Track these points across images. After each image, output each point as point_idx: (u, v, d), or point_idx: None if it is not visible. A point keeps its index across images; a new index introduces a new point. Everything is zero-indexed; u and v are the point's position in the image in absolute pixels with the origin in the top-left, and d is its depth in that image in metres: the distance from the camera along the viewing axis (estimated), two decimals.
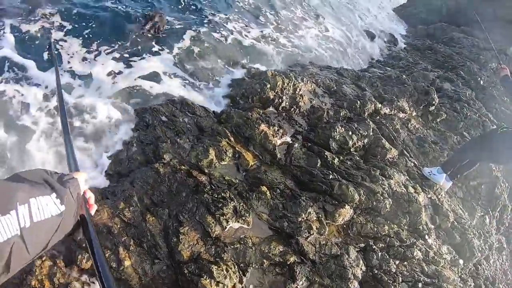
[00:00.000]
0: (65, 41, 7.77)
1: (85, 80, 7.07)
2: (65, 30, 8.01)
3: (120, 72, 7.47)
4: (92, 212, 1.62)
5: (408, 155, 7.68)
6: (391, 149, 7.17)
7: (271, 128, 5.97)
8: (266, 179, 5.43)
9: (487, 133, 8.92)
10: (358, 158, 6.66)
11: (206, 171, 5.33)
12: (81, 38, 7.97)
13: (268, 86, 6.86)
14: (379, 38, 16.61)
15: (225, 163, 5.51)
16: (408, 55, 15.17)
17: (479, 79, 13.23)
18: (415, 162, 7.67)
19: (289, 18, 13.37)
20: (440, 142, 8.96)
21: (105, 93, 6.95)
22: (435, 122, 9.86)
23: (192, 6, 10.81)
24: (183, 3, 10.77)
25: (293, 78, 7.29)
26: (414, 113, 9.52)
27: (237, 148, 5.64)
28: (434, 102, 9.79)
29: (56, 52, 7.02)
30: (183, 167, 5.30)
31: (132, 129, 6.18)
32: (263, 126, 5.87)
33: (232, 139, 5.77)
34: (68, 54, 7.50)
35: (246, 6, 12.41)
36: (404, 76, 10.26)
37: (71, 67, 7.22)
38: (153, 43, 8.44)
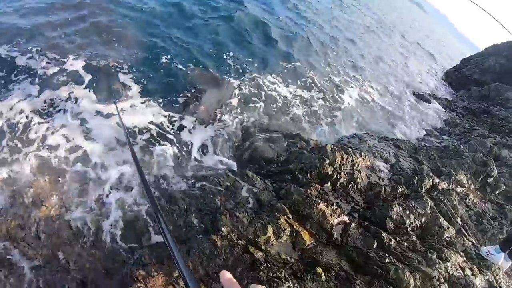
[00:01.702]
0: (127, 85, 8.19)
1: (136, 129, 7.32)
2: (128, 75, 8.46)
3: (171, 130, 7.64)
4: None
5: (465, 233, 7.01)
6: (448, 228, 6.57)
7: (329, 207, 5.63)
8: (321, 260, 5.07)
9: None
10: (414, 239, 6.11)
11: (263, 247, 5.04)
12: (140, 85, 8.35)
13: (327, 162, 6.57)
14: (433, 103, 15.83)
15: (282, 241, 5.19)
16: (464, 120, 14.31)
17: None
18: (473, 240, 6.96)
19: (333, 83, 13.09)
20: (499, 217, 8.17)
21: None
22: (493, 195, 9.04)
23: (236, 65, 10.90)
24: (230, 63, 10.83)
25: (352, 154, 6.96)
26: (472, 186, 8.78)
27: (295, 227, 5.32)
28: (492, 174, 9.03)
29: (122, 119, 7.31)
30: (241, 241, 5.05)
31: (190, 196, 6.03)
32: (321, 205, 5.55)
33: (290, 216, 5.48)
34: (126, 97, 7.92)
35: (288, 67, 12.37)
36: (461, 147, 9.58)
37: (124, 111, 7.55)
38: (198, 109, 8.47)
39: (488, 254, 6.48)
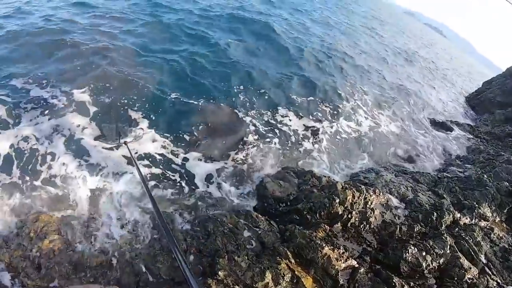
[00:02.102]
0: (136, 120, 7.89)
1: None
2: (137, 110, 8.15)
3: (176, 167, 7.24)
4: None
5: (489, 272, 6.16)
6: (470, 268, 5.77)
7: (335, 251, 4.98)
8: None
9: None
10: (432, 282, 5.36)
11: None
12: (149, 120, 8.03)
13: (337, 201, 5.93)
14: (455, 130, 14.77)
15: (282, 287, 4.57)
16: (488, 146, 13.22)
17: None
18: (498, 280, 6.10)
19: (348, 114, 12.22)
20: None
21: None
22: None
23: (247, 99, 10.30)
24: (241, 97, 10.23)
25: (364, 191, 6.27)
26: (497, 219, 7.88)
27: (296, 272, 4.71)
28: None
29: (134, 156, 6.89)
30: (237, 287, 4.48)
31: (192, 236, 5.53)
32: (326, 249, 4.91)
33: (293, 261, 4.86)
34: (134, 134, 7.57)
35: (300, 100, 11.54)
36: (485, 176, 8.64)
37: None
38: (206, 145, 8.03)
39: None
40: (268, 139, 8.83)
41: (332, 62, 16.32)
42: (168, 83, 9.53)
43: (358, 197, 6.14)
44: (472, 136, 14.56)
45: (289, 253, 4.90)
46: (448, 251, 5.79)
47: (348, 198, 6.02)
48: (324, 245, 4.92)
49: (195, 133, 8.10)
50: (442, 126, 15.15)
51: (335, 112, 11.64)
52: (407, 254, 5.35)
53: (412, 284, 5.04)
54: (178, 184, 6.84)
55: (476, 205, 7.53)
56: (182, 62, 10.82)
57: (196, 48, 12.12)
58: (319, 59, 15.84)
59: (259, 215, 5.83)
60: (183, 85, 9.68)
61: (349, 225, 5.95)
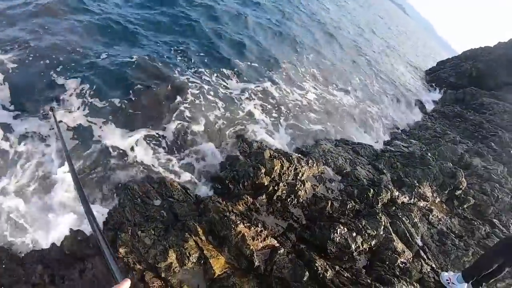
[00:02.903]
0: (61, 84, 6.93)
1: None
2: (62, 72, 7.23)
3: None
4: None
5: (424, 256, 5.77)
6: (404, 252, 5.35)
7: (252, 228, 4.32)
8: None
9: None
10: (361, 265, 4.88)
11: (163, 275, 3.80)
12: (76, 83, 7.12)
13: (263, 171, 5.24)
14: (405, 105, 14.69)
15: (188, 268, 3.91)
16: (436, 124, 13.17)
17: (511, 151, 11.02)
18: (433, 264, 5.73)
19: (295, 82, 11.60)
20: (465, 235, 6.96)
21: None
22: (461, 208, 7.80)
23: (185, 59, 9.47)
24: (179, 58, 9.39)
25: (295, 161, 5.61)
26: (437, 199, 7.57)
27: (205, 251, 4.02)
28: (461, 186, 7.81)
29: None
30: (138, 266, 3.82)
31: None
32: (241, 227, 4.23)
33: (203, 238, 4.16)
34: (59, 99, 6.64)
35: (244, 64, 10.81)
36: (429, 155, 8.32)
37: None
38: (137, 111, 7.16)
39: (449, 283, 5.24)
40: (206, 102, 8.01)
41: (283, 31, 15.55)
42: (100, 43, 8.48)
43: (288, 168, 5.47)
44: (421, 112, 14.56)
45: (199, 229, 4.18)
46: (381, 232, 5.29)
47: (276, 168, 5.33)
48: (239, 222, 4.24)
49: (128, 98, 7.18)
50: (392, 99, 15.06)
51: (281, 79, 10.99)
52: (335, 234, 4.76)
53: (337, 267, 4.52)
54: (99, 154, 5.98)
55: (417, 184, 7.13)
56: (115, 18, 9.75)
57: (128, 7, 11.01)
58: (268, 26, 15.02)
59: (174, 183, 5.05)
60: (116, 43, 8.68)
61: (275, 198, 5.29)
